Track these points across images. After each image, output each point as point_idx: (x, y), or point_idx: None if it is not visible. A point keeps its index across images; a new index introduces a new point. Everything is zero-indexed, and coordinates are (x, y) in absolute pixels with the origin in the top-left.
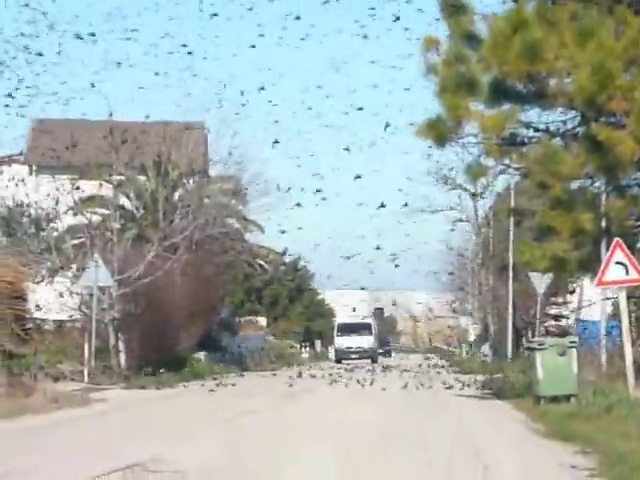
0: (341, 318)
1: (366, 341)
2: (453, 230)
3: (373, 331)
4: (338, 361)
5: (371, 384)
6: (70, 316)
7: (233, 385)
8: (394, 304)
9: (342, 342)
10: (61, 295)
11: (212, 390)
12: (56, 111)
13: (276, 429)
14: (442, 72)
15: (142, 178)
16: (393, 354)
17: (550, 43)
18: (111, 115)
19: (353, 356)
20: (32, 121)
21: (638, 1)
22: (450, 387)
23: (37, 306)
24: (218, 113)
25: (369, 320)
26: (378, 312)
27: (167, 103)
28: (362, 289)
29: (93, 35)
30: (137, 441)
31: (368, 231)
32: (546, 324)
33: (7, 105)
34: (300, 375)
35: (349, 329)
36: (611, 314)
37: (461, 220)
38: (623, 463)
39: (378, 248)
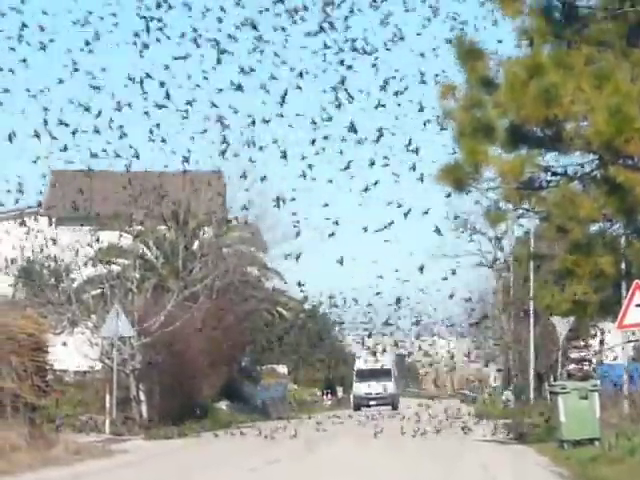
0: (360, 364)
1: (386, 387)
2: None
3: (393, 376)
4: (357, 408)
5: (391, 430)
6: (91, 367)
7: (256, 434)
8: (406, 353)
9: (361, 388)
10: (83, 346)
11: (238, 436)
12: (75, 162)
13: (302, 477)
14: (459, 117)
15: (161, 228)
16: (411, 400)
17: (566, 87)
18: (130, 166)
19: (372, 403)
20: (51, 172)
21: None
22: (473, 432)
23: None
24: (236, 161)
25: (389, 365)
26: (399, 358)
27: (185, 151)
28: (383, 335)
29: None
30: None
31: (389, 275)
32: (568, 368)
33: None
34: (320, 424)
35: (368, 375)
36: (633, 357)
37: (481, 265)
38: None
39: (399, 302)
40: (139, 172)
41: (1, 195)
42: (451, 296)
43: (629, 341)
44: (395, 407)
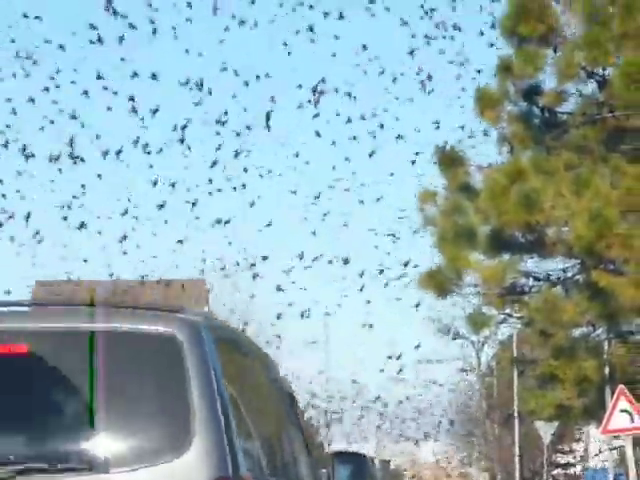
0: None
1: None
2: (461, 381)
3: None
4: None
5: None
6: None
7: None
8: (382, 461)
9: None
10: None
11: None
12: (58, 271)
13: None
14: (440, 224)
15: None
16: None
17: (547, 193)
18: (112, 275)
19: None
20: (34, 283)
21: (632, 150)
22: None
23: None
24: (219, 269)
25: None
26: (385, 464)
27: (168, 259)
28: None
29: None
30: None
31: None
32: (553, 473)
33: None
34: None
35: None
36: (618, 461)
37: (464, 370)
38: None
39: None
40: (122, 280)
41: None
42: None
43: (613, 448)
44: None
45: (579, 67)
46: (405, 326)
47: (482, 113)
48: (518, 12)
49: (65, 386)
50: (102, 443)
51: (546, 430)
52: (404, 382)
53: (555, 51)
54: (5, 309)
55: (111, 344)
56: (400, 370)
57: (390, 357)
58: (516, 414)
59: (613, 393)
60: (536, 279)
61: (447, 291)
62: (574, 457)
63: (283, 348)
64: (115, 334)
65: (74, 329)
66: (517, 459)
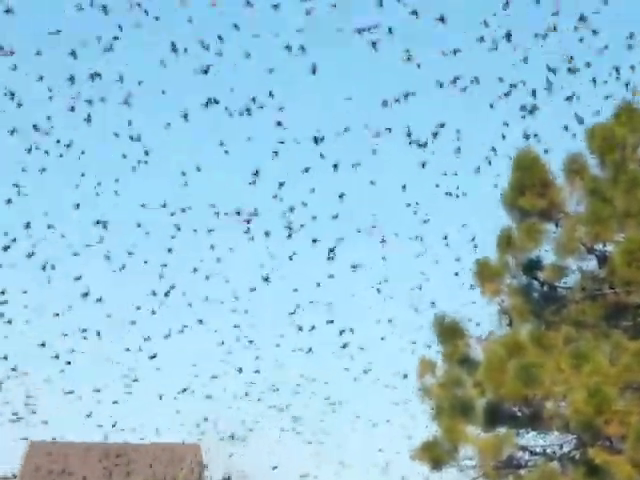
0: None
1: None
2: None
3: None
4: None
5: None
6: None
7: None
8: None
9: None
10: None
11: None
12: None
13: None
14: (438, 395)
15: None
16: None
17: (545, 367)
18: (106, 438)
19: None
20: (28, 443)
21: (633, 327)
22: None
23: None
24: (214, 432)
25: None
26: None
27: (163, 421)
28: None
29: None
30: None
31: None
32: None
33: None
34: None
35: None
36: None
37: None
38: None
39: None
40: (115, 443)
41: None
42: None
43: None
44: None
45: (580, 242)
46: None
47: (482, 285)
48: (519, 186)
49: None
50: None
51: None
52: None
53: (556, 226)
54: None
55: None
56: None
57: None
58: None
59: None
60: (532, 453)
61: (443, 463)
62: None
63: None
64: None
65: None
66: None
